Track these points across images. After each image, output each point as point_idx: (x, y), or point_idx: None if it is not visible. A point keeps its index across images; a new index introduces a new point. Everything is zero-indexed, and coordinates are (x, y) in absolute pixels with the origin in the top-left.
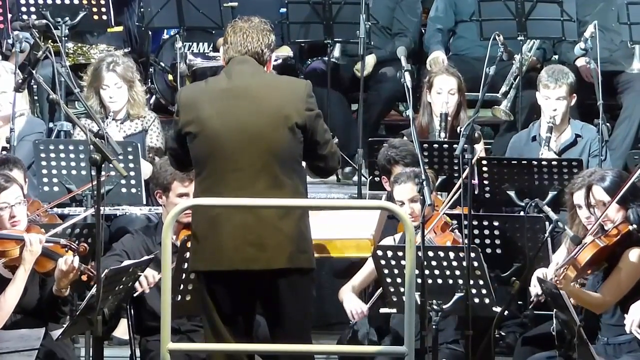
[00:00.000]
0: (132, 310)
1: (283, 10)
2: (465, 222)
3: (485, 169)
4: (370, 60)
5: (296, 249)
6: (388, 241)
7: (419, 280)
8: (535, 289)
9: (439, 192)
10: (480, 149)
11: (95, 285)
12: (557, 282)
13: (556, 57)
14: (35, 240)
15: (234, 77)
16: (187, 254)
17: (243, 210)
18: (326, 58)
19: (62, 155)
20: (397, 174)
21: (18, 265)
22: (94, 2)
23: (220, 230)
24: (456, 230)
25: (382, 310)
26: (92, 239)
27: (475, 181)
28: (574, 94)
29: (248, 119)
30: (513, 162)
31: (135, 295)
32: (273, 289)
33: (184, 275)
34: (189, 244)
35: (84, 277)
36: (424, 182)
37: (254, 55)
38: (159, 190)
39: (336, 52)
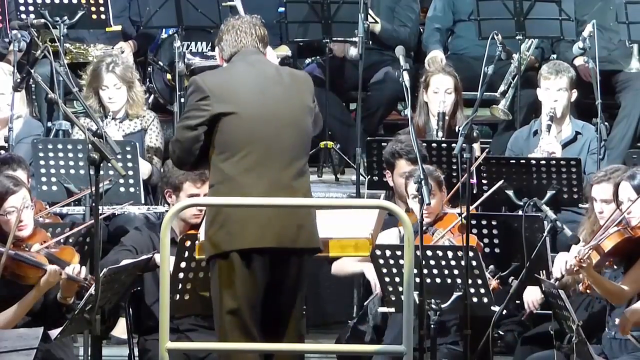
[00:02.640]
0: (130, 310)
1: (282, 9)
2: (464, 221)
3: (483, 168)
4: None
5: (316, 232)
6: (392, 232)
7: (418, 280)
8: (532, 296)
9: None
10: (475, 148)
11: (94, 285)
12: (581, 261)
13: (554, 56)
14: (55, 274)
15: (257, 66)
16: (186, 253)
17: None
18: (323, 59)
19: (61, 154)
20: (412, 169)
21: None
22: (92, 2)
23: (263, 210)
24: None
25: (381, 309)
26: (90, 238)
27: (474, 180)
28: (575, 89)
29: (283, 105)
30: (511, 161)
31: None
32: (293, 270)
33: (182, 274)
34: (187, 243)
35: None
36: (422, 182)
37: None
38: (169, 189)
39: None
